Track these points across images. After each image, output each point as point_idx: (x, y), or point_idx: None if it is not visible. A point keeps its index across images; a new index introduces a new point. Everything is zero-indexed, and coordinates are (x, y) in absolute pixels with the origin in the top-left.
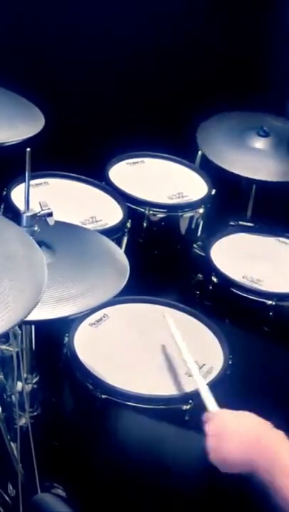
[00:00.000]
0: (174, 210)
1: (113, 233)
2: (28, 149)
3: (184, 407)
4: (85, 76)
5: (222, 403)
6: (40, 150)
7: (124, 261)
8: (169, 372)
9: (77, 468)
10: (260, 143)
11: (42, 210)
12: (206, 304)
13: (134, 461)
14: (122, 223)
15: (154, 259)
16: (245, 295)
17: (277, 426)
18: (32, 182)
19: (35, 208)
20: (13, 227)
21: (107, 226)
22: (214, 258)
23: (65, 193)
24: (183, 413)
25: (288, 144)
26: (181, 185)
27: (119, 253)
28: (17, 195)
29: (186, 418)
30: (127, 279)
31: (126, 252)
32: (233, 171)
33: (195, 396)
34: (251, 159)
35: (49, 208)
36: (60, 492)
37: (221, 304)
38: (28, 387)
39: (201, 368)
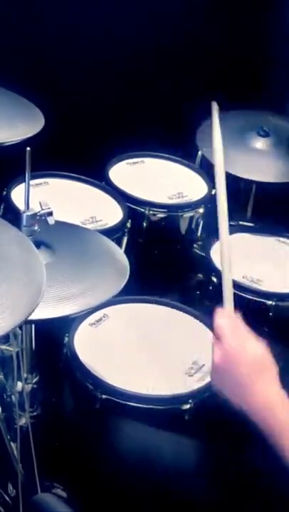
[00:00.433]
0: (174, 210)
1: (113, 233)
2: (28, 149)
3: (184, 407)
4: (85, 76)
5: (217, 407)
6: (40, 150)
7: (124, 261)
8: (169, 372)
9: (77, 468)
10: (260, 143)
11: (42, 209)
12: (206, 304)
13: (134, 461)
14: (122, 223)
15: (154, 259)
16: (245, 295)
17: None
18: (32, 182)
19: (35, 208)
20: (11, 230)
21: (107, 226)
22: (214, 258)
23: (65, 193)
24: (183, 413)
25: (288, 144)
26: (181, 185)
27: (119, 253)
28: (17, 195)
29: (186, 418)
30: (127, 279)
31: (126, 252)
32: (233, 173)
33: (195, 396)
34: (251, 159)
35: (49, 208)
36: (60, 492)
37: (221, 303)
38: (28, 387)
39: (201, 368)
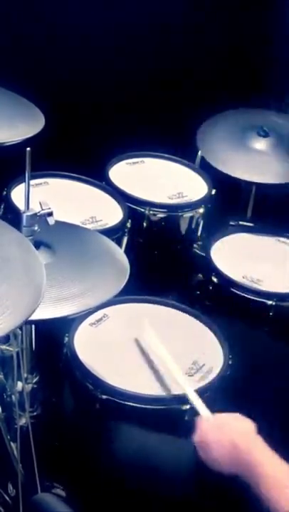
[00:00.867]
0: (174, 210)
1: (113, 233)
2: (28, 149)
3: (184, 407)
4: (85, 76)
5: (217, 407)
6: (40, 150)
7: (124, 261)
8: (169, 372)
9: (77, 468)
10: (260, 143)
11: (42, 209)
12: (206, 304)
13: (134, 461)
14: (122, 223)
15: (154, 259)
16: (245, 295)
17: (274, 426)
18: (32, 182)
19: (35, 208)
20: (11, 231)
21: (107, 226)
22: (214, 258)
23: (65, 193)
24: (182, 413)
25: (288, 144)
26: (181, 185)
27: (119, 253)
28: (17, 195)
29: (186, 418)
30: (127, 279)
31: (126, 252)
32: (233, 174)
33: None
34: (251, 160)
35: (49, 208)
36: (60, 492)
37: (221, 304)
38: (28, 387)
39: (201, 368)
